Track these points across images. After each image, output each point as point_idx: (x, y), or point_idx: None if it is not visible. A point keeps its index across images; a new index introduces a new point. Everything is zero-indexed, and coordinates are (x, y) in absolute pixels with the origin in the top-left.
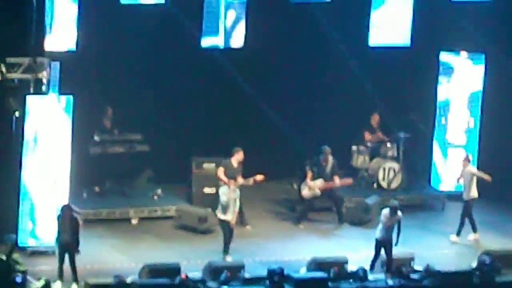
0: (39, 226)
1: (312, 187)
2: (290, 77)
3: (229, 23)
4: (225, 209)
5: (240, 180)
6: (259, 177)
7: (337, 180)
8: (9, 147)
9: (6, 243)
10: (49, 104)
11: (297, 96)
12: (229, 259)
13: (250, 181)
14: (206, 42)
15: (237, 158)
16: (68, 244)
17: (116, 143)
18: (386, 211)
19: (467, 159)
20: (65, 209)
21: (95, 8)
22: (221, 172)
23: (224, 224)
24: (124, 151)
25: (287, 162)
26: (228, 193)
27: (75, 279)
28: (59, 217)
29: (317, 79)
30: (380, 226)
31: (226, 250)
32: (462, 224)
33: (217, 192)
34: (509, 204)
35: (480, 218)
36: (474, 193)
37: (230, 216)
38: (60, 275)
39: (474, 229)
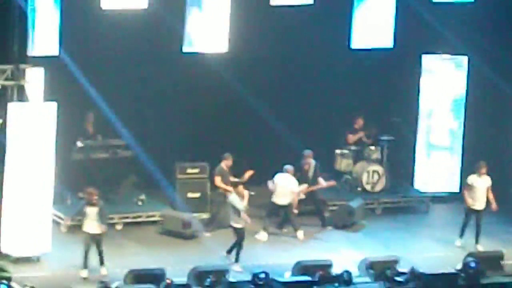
0: (23, 232)
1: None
2: (272, 81)
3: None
4: (238, 217)
5: (234, 181)
6: (250, 173)
7: (322, 181)
8: None
9: None
10: (32, 111)
11: (279, 100)
12: (237, 268)
13: (244, 180)
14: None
15: (226, 163)
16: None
17: (99, 149)
18: None
19: (485, 168)
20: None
21: (77, 14)
22: (219, 181)
23: (240, 230)
24: (108, 156)
25: (271, 166)
26: (239, 199)
27: (102, 263)
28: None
29: (300, 83)
30: None
31: (237, 259)
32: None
33: (201, 196)
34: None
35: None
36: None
37: (243, 223)
38: (85, 264)
39: (462, 235)
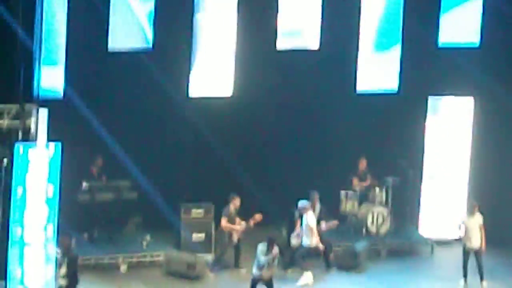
0: (28, 273)
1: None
2: (278, 124)
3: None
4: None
5: (244, 224)
6: (258, 217)
7: (323, 225)
8: None
9: None
10: (37, 151)
11: (285, 142)
12: None
13: (251, 222)
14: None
15: (234, 204)
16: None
17: (104, 190)
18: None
19: (476, 207)
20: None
21: (83, 54)
22: (225, 221)
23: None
24: (113, 198)
25: (276, 208)
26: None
27: None
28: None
29: (305, 125)
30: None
31: None
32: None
33: (206, 237)
34: (498, 246)
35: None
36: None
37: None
38: None
39: (465, 275)
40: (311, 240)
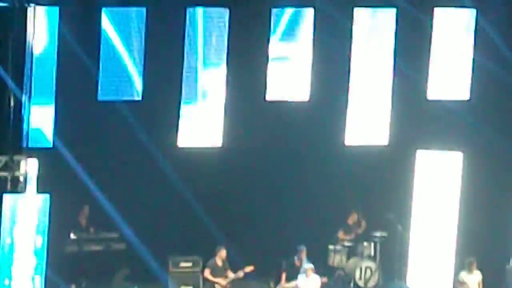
0: None
1: None
2: (267, 175)
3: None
4: None
5: (231, 275)
6: (248, 268)
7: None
8: None
9: None
10: (25, 202)
11: (273, 195)
12: None
13: (240, 274)
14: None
15: (220, 256)
16: None
17: (92, 241)
18: None
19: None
20: None
21: (72, 105)
22: (207, 273)
23: None
24: (100, 249)
25: (264, 261)
26: None
27: None
28: None
29: (294, 177)
30: None
31: None
32: None
33: None
34: None
35: None
36: None
37: None
38: None
39: None
40: None
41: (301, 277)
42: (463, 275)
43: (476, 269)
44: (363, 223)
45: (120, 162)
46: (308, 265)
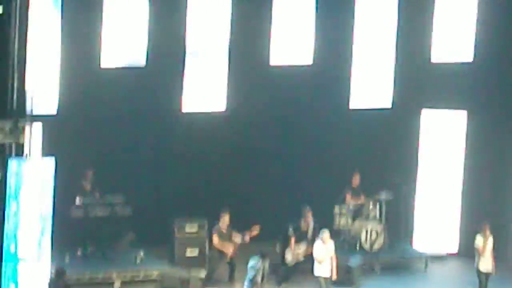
0: None
1: (295, 253)
2: (272, 139)
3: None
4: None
5: (237, 239)
6: (254, 230)
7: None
8: None
9: None
10: (30, 167)
11: (278, 158)
12: None
13: (247, 238)
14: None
15: (223, 220)
16: None
17: (97, 206)
18: None
19: (488, 228)
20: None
21: (75, 72)
22: (216, 239)
23: None
24: (106, 214)
25: (269, 224)
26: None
27: None
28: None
29: (299, 141)
30: None
31: None
32: None
33: (199, 254)
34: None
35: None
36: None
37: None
38: None
39: None
40: None
41: (317, 243)
42: (480, 240)
43: (489, 233)
44: (362, 194)
45: (124, 127)
46: (324, 232)
